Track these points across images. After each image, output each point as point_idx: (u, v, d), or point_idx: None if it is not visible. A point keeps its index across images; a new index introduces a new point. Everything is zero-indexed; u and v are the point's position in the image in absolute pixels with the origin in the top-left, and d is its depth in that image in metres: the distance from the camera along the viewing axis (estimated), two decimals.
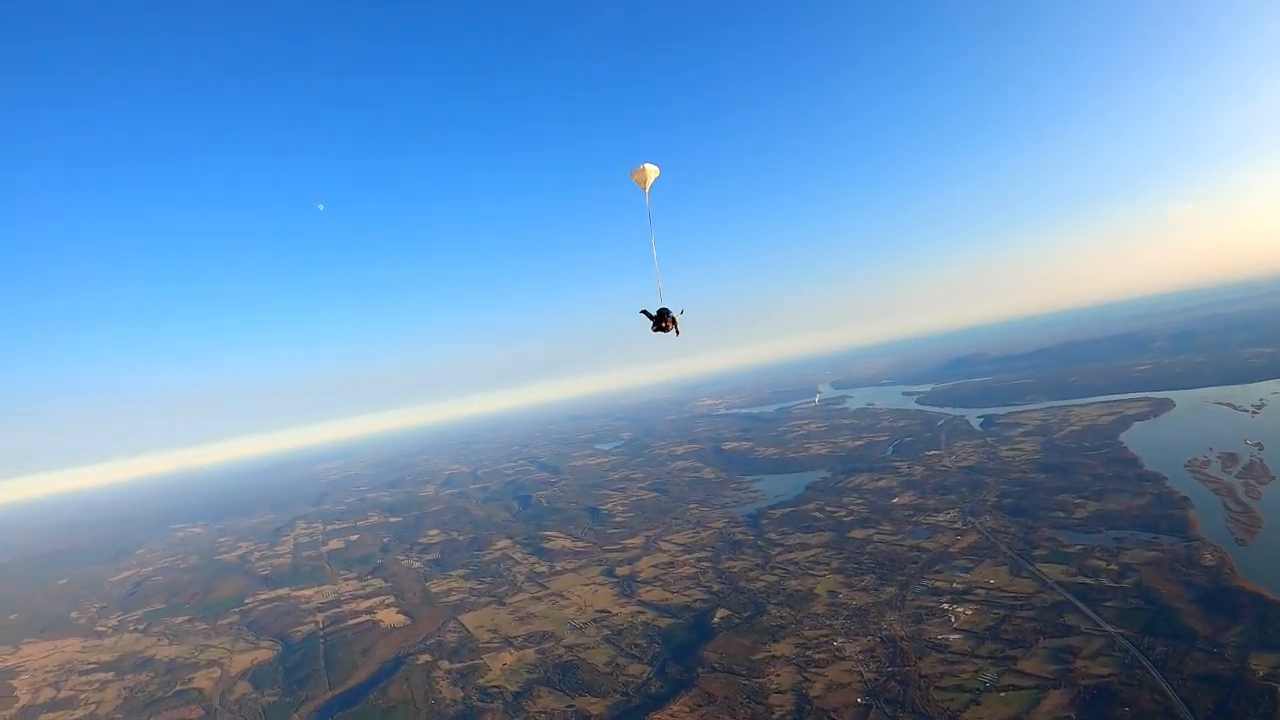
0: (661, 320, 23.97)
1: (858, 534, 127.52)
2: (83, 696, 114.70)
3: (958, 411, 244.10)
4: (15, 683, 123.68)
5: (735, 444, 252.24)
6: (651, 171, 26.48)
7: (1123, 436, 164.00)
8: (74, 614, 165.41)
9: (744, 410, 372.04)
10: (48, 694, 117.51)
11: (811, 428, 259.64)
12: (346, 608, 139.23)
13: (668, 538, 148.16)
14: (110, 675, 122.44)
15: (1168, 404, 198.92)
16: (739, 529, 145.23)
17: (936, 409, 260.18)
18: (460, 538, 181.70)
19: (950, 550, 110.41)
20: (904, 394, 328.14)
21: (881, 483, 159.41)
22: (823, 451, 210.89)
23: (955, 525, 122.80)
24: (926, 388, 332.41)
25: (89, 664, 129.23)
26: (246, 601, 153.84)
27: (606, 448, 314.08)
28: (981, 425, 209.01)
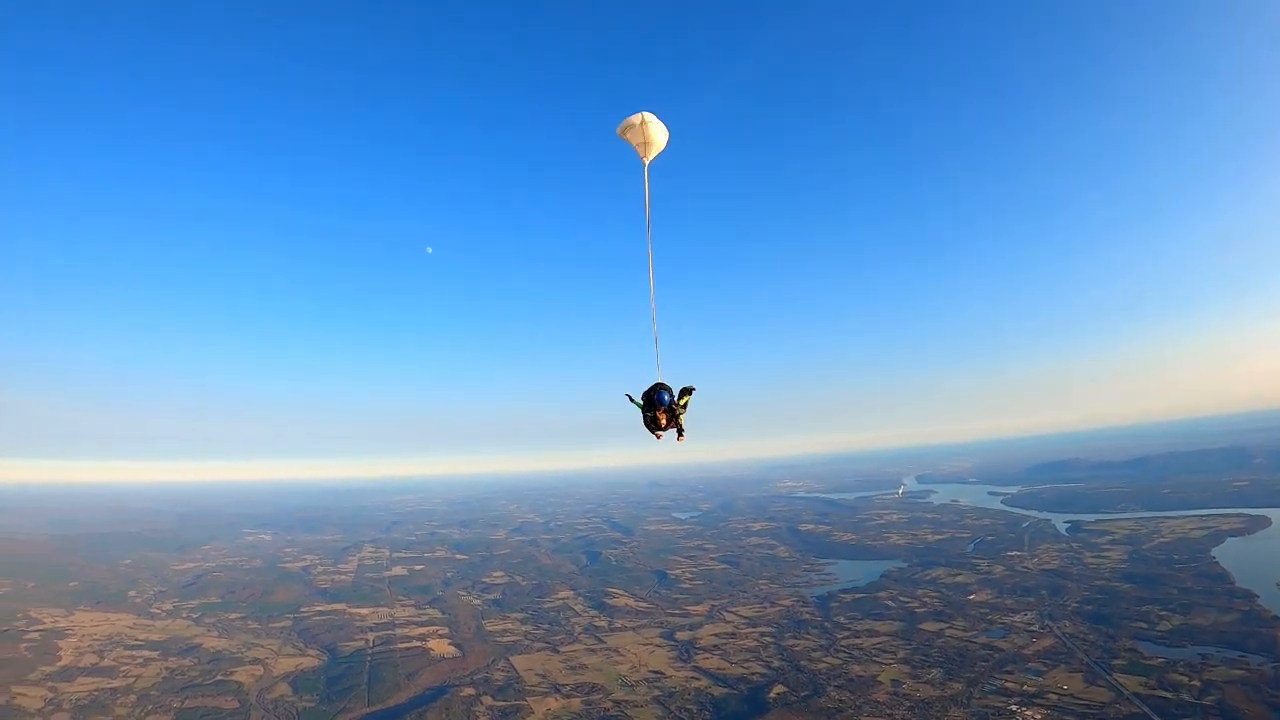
0: (654, 411, 19.25)
1: (929, 626, 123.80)
2: (124, 668, 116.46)
3: (1044, 515, 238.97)
4: (62, 643, 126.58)
5: (812, 526, 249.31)
6: (652, 129, 19.30)
7: (1215, 551, 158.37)
8: (131, 593, 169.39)
9: (824, 495, 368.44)
10: (90, 659, 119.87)
11: (892, 518, 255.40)
12: (399, 631, 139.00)
13: (733, 609, 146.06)
14: (155, 654, 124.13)
15: (1264, 521, 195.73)
16: (807, 609, 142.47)
17: (1022, 511, 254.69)
18: (524, 582, 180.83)
19: (1024, 652, 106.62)
20: (990, 493, 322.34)
21: (959, 578, 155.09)
22: (901, 542, 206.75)
23: (1032, 627, 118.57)
24: (1013, 489, 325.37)
25: (136, 640, 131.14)
26: (302, 610, 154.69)
27: (682, 516, 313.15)
28: (1068, 530, 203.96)
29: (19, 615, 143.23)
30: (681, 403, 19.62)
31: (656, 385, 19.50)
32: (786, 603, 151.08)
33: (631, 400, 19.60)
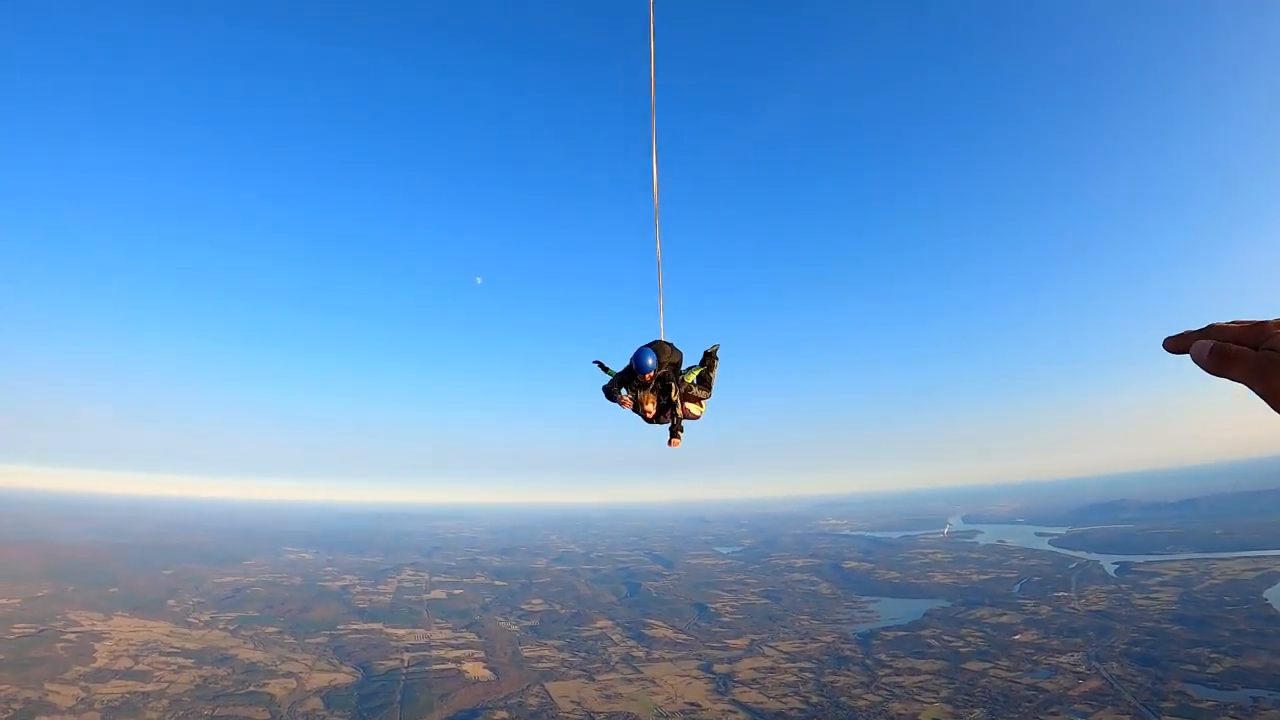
0: (633, 387, 13.97)
1: (973, 666, 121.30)
2: (157, 674, 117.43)
3: (1092, 556, 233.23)
4: (98, 646, 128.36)
5: (856, 563, 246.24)
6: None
7: (1267, 593, 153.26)
8: (170, 602, 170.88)
9: (869, 533, 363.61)
10: (125, 663, 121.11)
11: (937, 557, 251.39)
12: (435, 653, 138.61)
13: (773, 644, 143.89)
14: (190, 662, 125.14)
15: None
16: (848, 645, 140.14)
17: (1070, 552, 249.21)
18: (562, 610, 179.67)
19: (1070, 693, 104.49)
20: (1037, 534, 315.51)
21: (1004, 618, 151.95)
22: (946, 581, 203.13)
23: (1078, 668, 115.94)
24: (1061, 530, 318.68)
25: (172, 648, 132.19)
26: (338, 627, 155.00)
27: (725, 551, 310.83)
28: (1116, 571, 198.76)
29: (57, 617, 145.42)
30: (690, 377, 14.15)
31: (648, 346, 13.56)
32: (827, 639, 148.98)
33: (604, 370, 14.17)
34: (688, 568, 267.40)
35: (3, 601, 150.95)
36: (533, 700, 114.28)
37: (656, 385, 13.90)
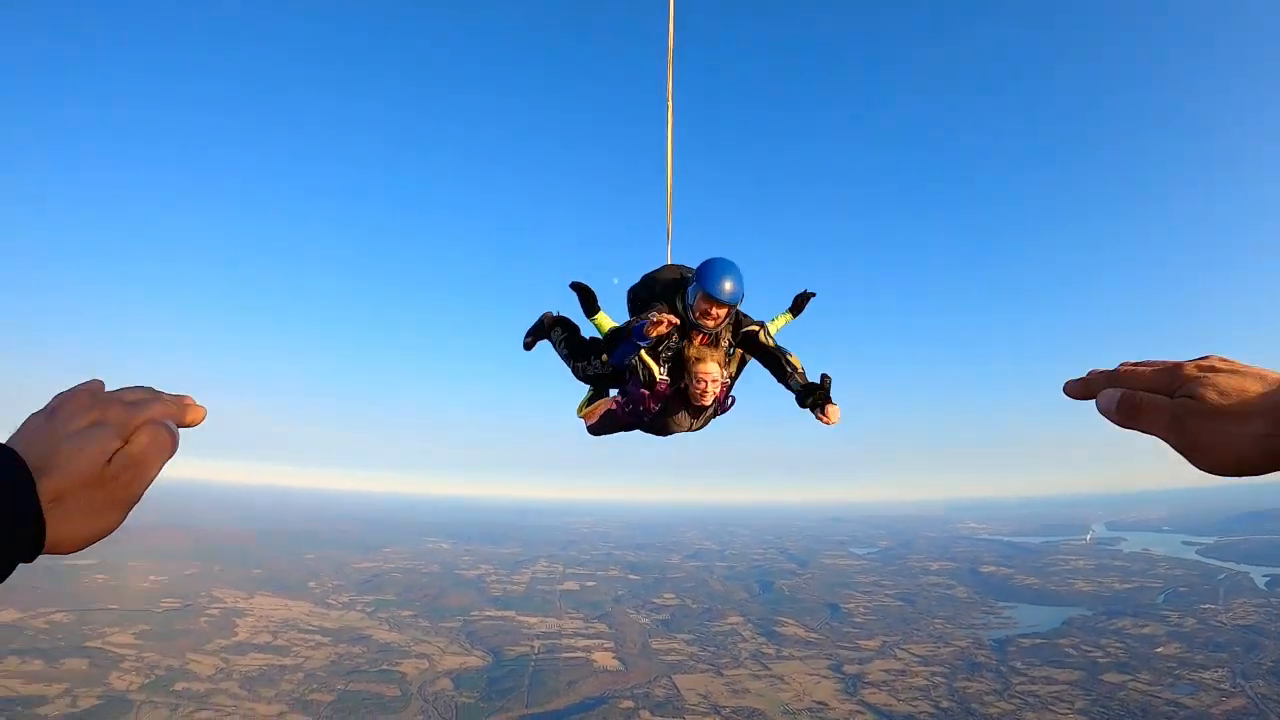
0: (612, 358, 8.82)
1: (1111, 678, 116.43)
2: (295, 649, 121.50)
3: (1242, 567, 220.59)
4: (239, 621, 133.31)
5: (994, 568, 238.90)
6: None
7: None
8: (311, 584, 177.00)
9: (1008, 538, 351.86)
10: (264, 638, 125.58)
11: (1078, 564, 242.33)
12: (565, 641, 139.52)
13: (905, 646, 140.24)
14: (326, 640, 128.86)
15: None
16: (982, 651, 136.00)
17: (1218, 562, 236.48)
18: (694, 605, 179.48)
19: (1212, 711, 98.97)
20: (1184, 543, 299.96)
21: (1146, 629, 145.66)
22: (1086, 589, 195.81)
23: (1222, 685, 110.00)
24: (1209, 539, 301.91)
25: (310, 626, 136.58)
26: (472, 614, 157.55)
27: (860, 552, 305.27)
28: (1267, 584, 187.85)
29: (203, 594, 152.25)
30: (715, 373, 8.50)
31: (720, 262, 8.23)
32: (961, 644, 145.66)
33: (582, 293, 8.62)
34: (821, 567, 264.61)
35: (153, 578, 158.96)
36: (659, 691, 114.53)
37: (725, 341, 8.68)
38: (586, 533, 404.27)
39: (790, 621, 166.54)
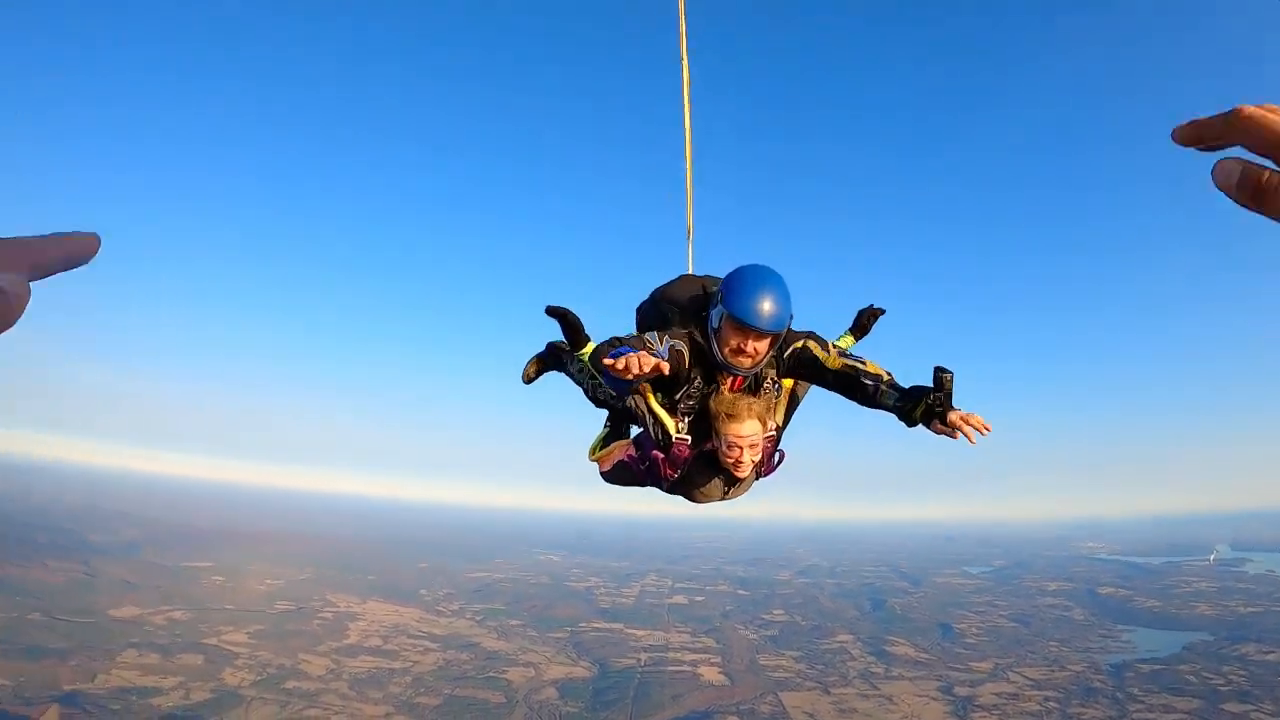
0: (612, 391, 6.88)
1: (1233, 707, 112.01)
2: (404, 654, 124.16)
3: None
4: (351, 625, 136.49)
5: (1112, 589, 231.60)
6: None
7: None
8: (422, 591, 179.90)
9: (1127, 558, 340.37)
10: (375, 642, 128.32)
11: (1201, 586, 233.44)
12: (671, 655, 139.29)
13: (1018, 669, 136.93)
14: (435, 646, 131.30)
15: None
16: (1098, 676, 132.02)
17: None
18: (803, 622, 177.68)
19: None
20: None
21: (1271, 656, 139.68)
22: (1209, 613, 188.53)
23: None
24: None
25: (420, 632, 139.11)
26: (580, 625, 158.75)
27: (974, 570, 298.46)
28: None
29: (316, 598, 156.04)
30: (832, 357, 6.27)
31: (762, 274, 6.01)
32: (1076, 668, 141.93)
33: (564, 321, 6.15)
34: (934, 586, 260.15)
35: (270, 581, 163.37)
36: (765, 708, 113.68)
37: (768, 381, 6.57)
38: (698, 547, 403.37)
39: (901, 641, 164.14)
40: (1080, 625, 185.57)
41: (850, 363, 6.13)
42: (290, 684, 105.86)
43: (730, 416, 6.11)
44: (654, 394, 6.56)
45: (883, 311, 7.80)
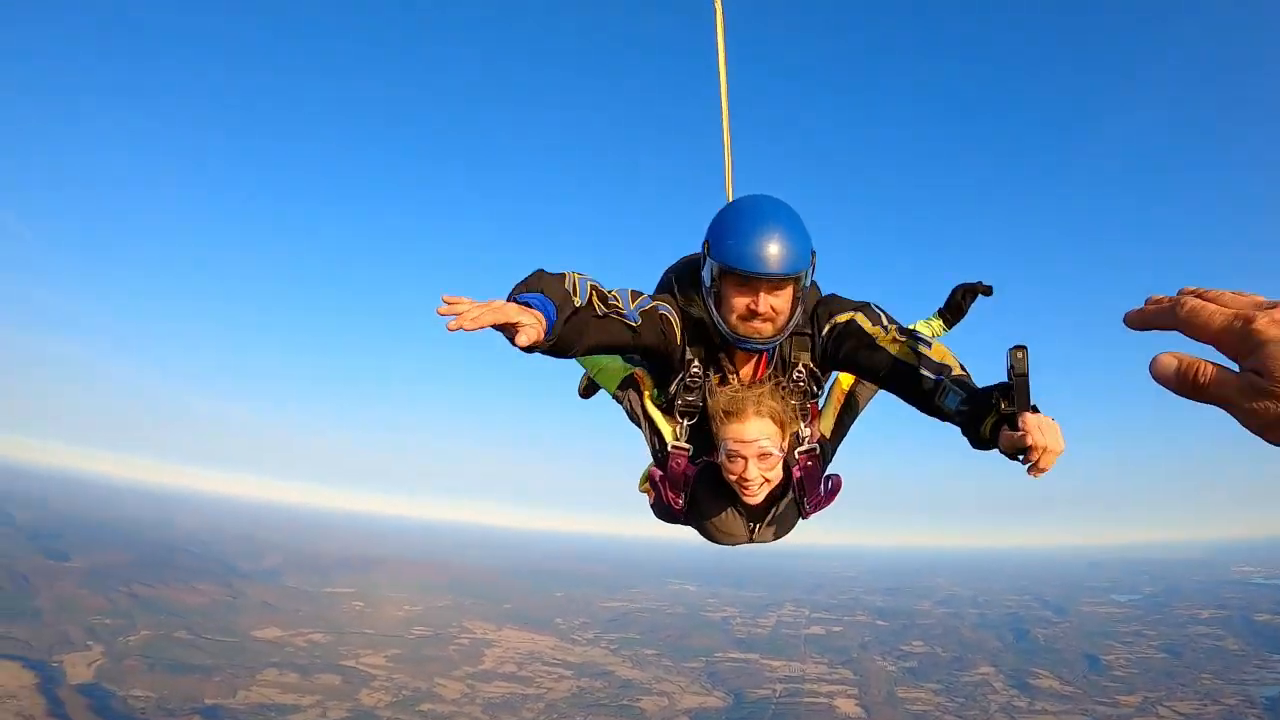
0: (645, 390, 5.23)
1: None
2: (538, 680, 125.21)
3: None
4: (487, 651, 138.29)
5: (1269, 617, 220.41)
6: None
7: None
8: (557, 619, 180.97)
9: None
10: (509, 668, 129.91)
11: None
12: (808, 686, 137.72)
13: (1168, 703, 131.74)
14: (569, 674, 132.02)
15: None
16: (1254, 710, 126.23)
17: None
18: (943, 653, 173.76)
19: None
20: None
21: None
22: None
23: None
24: None
25: (554, 659, 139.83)
26: (715, 655, 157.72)
27: (1121, 599, 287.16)
28: None
29: (453, 624, 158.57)
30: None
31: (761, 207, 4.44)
32: (1230, 701, 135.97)
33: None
34: (1080, 615, 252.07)
35: (408, 608, 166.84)
36: None
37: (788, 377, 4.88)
38: (835, 576, 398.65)
39: (1045, 673, 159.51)
40: (1235, 656, 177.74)
41: (912, 344, 4.22)
42: (425, 706, 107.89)
43: (730, 414, 4.50)
44: (651, 391, 5.19)
45: (988, 290, 5.75)
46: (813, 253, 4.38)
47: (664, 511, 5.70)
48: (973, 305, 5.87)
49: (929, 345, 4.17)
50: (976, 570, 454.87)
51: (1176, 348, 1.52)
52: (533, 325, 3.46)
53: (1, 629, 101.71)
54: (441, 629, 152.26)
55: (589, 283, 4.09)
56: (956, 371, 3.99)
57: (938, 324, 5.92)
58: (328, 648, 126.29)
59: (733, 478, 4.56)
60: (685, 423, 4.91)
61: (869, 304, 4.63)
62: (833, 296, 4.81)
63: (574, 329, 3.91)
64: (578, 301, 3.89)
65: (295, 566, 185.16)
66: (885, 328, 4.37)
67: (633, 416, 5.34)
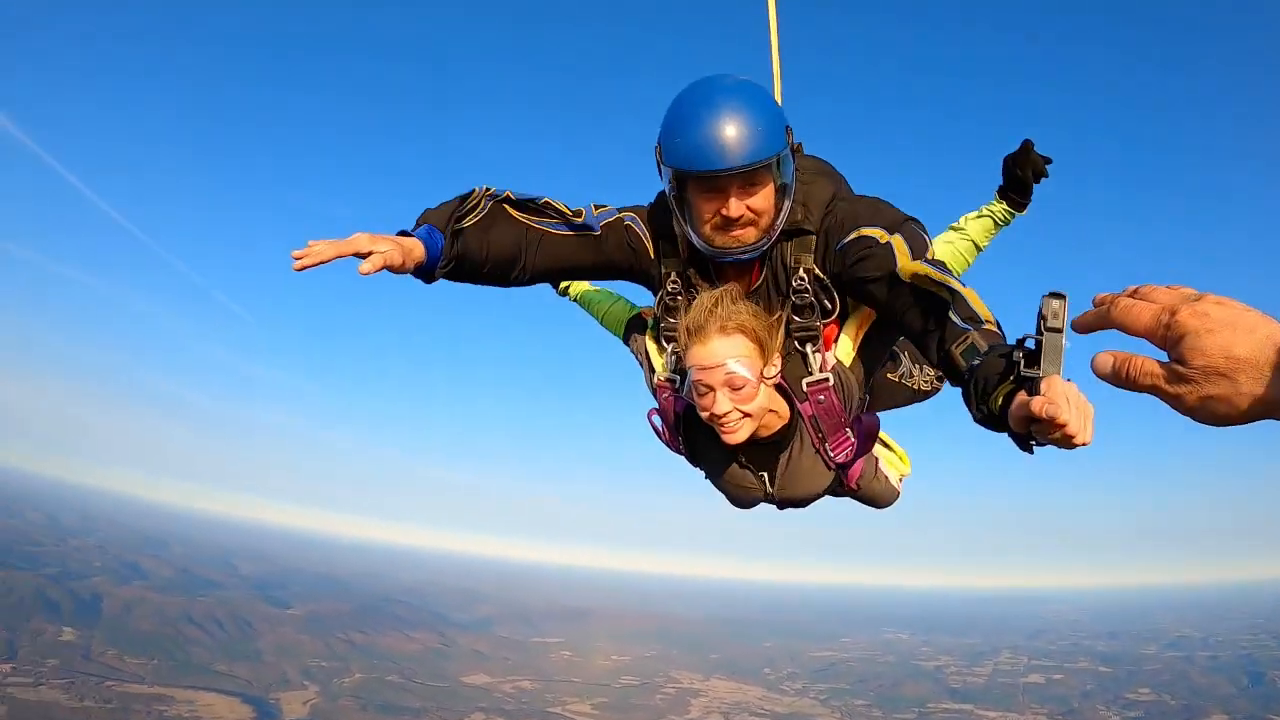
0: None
1: None
2: None
3: None
4: (693, 701, 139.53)
5: None
6: None
7: None
8: (766, 670, 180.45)
9: None
10: (716, 718, 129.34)
11: None
12: None
13: None
14: None
15: None
16: None
17: None
18: (1172, 701, 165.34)
19: None
20: None
21: None
22: None
23: None
24: None
25: (761, 710, 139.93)
26: (928, 705, 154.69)
27: None
28: None
29: (660, 674, 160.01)
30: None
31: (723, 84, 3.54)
32: None
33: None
34: None
35: (615, 657, 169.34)
36: None
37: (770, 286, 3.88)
38: (1054, 620, 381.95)
39: None
40: None
41: (946, 282, 3.23)
42: None
43: (692, 332, 3.62)
44: (652, 325, 4.37)
45: (1048, 159, 4.76)
46: (787, 129, 3.57)
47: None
48: (1037, 177, 4.79)
49: (956, 284, 3.21)
50: (1207, 609, 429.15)
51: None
52: (387, 252, 3.10)
53: (224, 667, 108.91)
54: (648, 678, 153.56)
55: (525, 197, 3.76)
56: (990, 325, 3.03)
57: (1000, 208, 4.93)
58: (535, 695, 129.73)
59: (705, 415, 3.66)
60: (670, 348, 4.12)
61: (912, 221, 3.71)
62: (863, 198, 3.93)
63: (478, 243, 3.60)
64: (476, 217, 3.56)
65: (506, 617, 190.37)
66: (926, 259, 3.39)
67: (638, 358, 4.58)
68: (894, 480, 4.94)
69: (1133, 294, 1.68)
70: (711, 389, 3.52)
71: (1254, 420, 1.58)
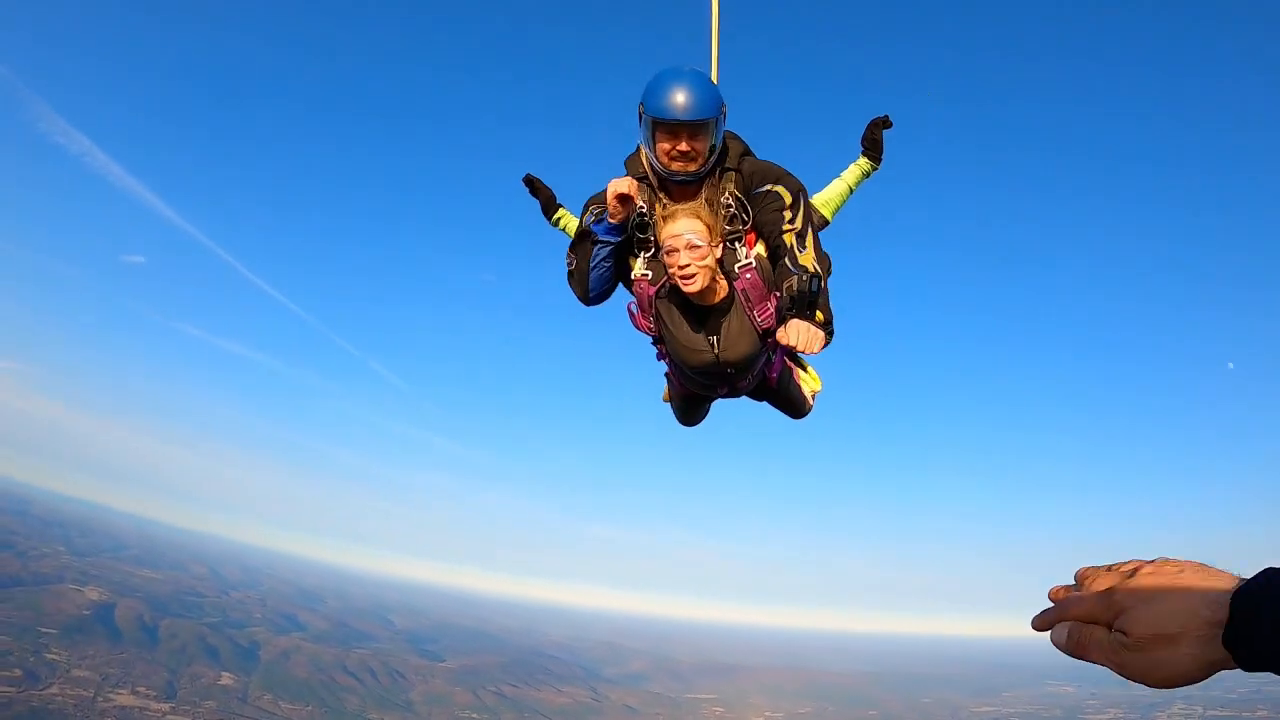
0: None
1: None
2: None
3: None
4: None
5: None
6: None
7: None
8: None
9: None
10: None
11: None
12: None
13: None
14: None
15: None
16: None
17: None
18: None
19: None
20: None
21: None
22: None
23: None
24: None
25: None
26: None
27: None
28: None
29: None
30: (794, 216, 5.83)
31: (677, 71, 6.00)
32: None
33: (535, 190, 7.43)
34: None
35: (769, 714, 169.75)
36: None
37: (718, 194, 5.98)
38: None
39: None
40: None
41: (790, 241, 5.54)
42: None
43: (666, 218, 5.61)
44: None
45: (888, 123, 6.78)
46: (723, 104, 5.78)
47: (679, 400, 7.02)
48: (881, 136, 6.80)
49: (793, 228, 5.59)
50: None
51: None
52: (627, 180, 5.64)
53: (376, 716, 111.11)
54: None
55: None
56: (804, 261, 5.42)
57: (866, 163, 6.90)
58: None
59: (673, 270, 5.52)
60: (644, 255, 5.95)
61: (803, 194, 5.88)
62: (775, 166, 6.02)
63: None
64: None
65: (658, 672, 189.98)
66: (794, 219, 5.65)
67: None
68: (807, 393, 6.94)
69: (1080, 580, 1.89)
70: (677, 250, 5.44)
71: (1206, 678, 1.80)
